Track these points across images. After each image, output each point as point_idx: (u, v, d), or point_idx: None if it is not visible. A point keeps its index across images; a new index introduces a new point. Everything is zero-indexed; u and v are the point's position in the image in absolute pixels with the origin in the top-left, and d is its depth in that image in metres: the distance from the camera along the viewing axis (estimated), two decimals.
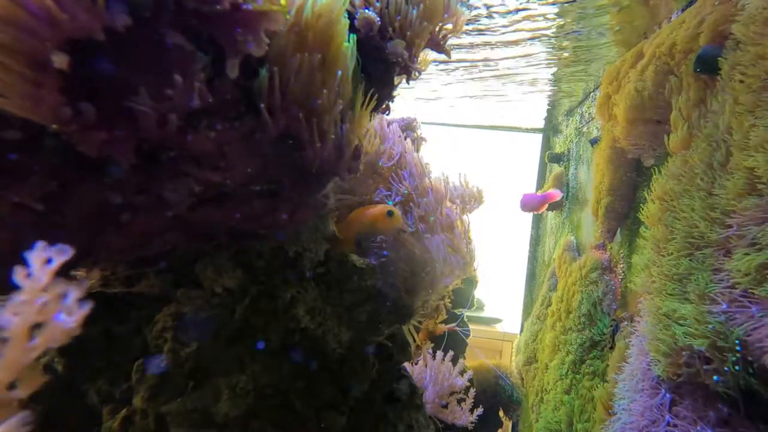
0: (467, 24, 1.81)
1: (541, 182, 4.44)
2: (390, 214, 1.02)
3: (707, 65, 1.11)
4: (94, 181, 0.63)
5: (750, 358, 0.80)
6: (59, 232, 0.63)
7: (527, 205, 2.42)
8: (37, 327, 0.53)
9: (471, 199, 1.47)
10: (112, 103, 0.58)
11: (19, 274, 0.51)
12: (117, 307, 0.87)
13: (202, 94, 0.62)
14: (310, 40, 0.71)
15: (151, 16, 0.56)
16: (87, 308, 0.56)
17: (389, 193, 1.20)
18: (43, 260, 0.52)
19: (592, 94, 2.79)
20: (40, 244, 0.52)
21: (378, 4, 0.96)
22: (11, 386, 0.54)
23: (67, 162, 0.60)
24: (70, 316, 0.54)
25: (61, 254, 0.53)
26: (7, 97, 0.52)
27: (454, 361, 1.62)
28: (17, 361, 0.52)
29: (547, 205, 2.54)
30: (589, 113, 2.84)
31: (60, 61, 0.52)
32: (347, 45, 0.76)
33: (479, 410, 1.60)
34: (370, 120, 1.11)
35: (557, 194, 2.44)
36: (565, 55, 2.25)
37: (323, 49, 0.73)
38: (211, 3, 0.59)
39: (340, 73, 0.75)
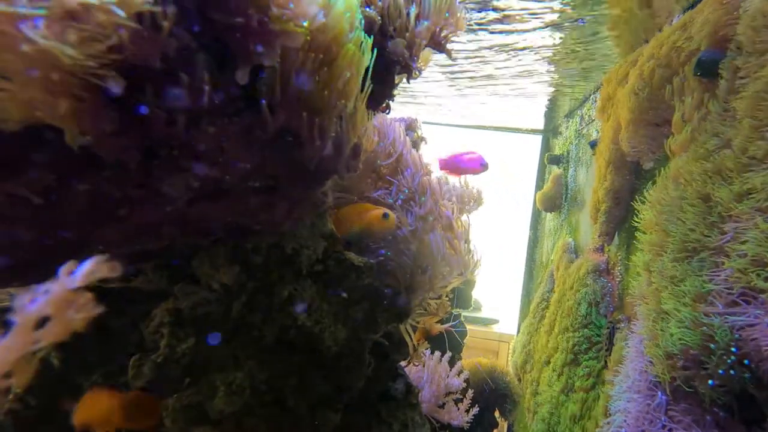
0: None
1: (540, 183, 4.45)
2: (385, 216, 1.01)
3: (707, 69, 1.11)
4: (92, 175, 0.63)
5: (746, 361, 0.80)
6: (56, 225, 0.63)
7: (444, 166, 2.16)
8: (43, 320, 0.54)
9: (470, 200, 1.46)
10: (127, 106, 0.57)
11: (65, 268, 0.52)
12: (113, 302, 0.87)
13: (210, 94, 0.62)
14: (315, 39, 0.71)
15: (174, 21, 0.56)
16: (96, 310, 0.57)
17: (388, 191, 1.20)
18: (91, 269, 0.53)
19: (592, 96, 2.79)
20: (102, 257, 0.54)
21: (380, 3, 0.96)
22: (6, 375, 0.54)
23: (66, 155, 0.60)
24: (78, 313, 0.55)
25: (111, 270, 0.55)
26: (48, 111, 0.52)
27: (452, 362, 1.62)
28: (19, 348, 0.53)
29: (466, 171, 2.22)
30: (589, 115, 2.84)
31: (117, 84, 0.52)
32: (353, 47, 0.76)
33: (475, 410, 1.60)
34: (370, 119, 1.11)
35: (479, 166, 2.16)
36: (566, 56, 2.25)
37: (327, 48, 0.73)
38: (235, 16, 0.59)
39: (348, 74, 0.75)
